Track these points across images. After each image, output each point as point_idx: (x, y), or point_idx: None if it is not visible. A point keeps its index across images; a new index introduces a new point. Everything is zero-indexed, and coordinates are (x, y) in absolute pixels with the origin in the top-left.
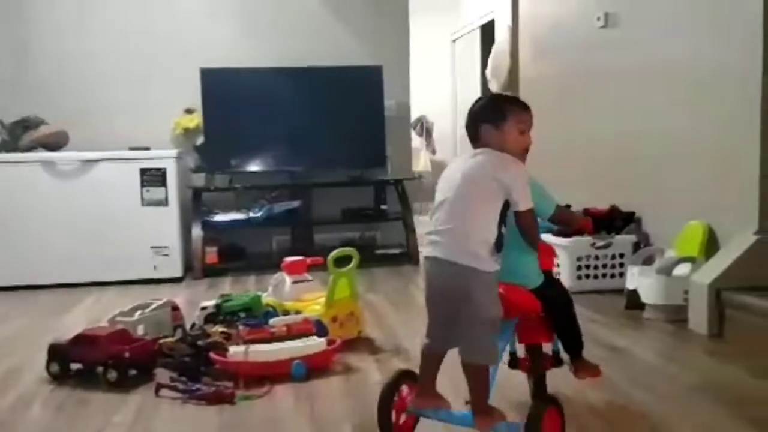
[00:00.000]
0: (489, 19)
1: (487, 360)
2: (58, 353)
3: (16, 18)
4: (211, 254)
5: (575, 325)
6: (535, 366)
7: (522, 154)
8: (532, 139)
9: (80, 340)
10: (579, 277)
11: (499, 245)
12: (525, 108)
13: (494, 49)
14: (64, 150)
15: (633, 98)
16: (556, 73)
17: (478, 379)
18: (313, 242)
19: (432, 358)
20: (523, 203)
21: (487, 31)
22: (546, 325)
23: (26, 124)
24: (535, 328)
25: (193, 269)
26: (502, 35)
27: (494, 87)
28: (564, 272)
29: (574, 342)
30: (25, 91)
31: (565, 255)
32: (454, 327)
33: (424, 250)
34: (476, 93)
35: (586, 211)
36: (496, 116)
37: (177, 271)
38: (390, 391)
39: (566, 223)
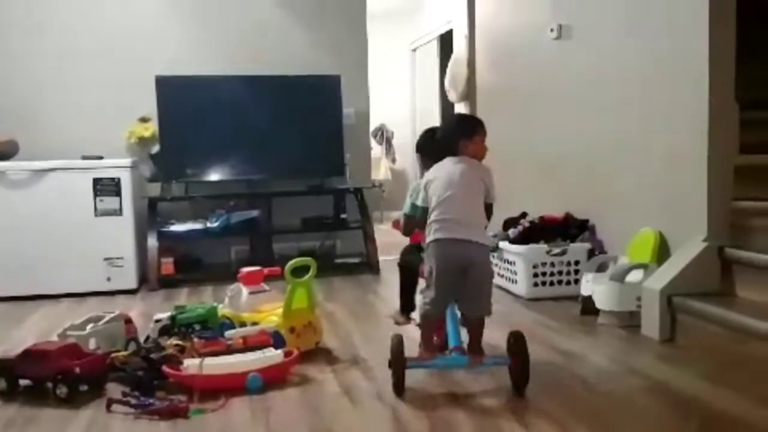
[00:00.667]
0: (448, 28)
1: (490, 312)
2: (5, 369)
3: None
4: (167, 265)
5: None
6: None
7: (482, 159)
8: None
9: (29, 355)
10: (535, 284)
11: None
12: (483, 125)
13: (452, 58)
14: (14, 159)
15: (586, 107)
16: (511, 83)
17: (482, 329)
18: (273, 252)
19: (434, 322)
20: (494, 197)
21: (446, 41)
22: None
23: None
24: None
25: (149, 281)
26: (459, 45)
27: (453, 96)
28: (520, 279)
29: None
30: None
31: (522, 262)
32: (461, 292)
33: (436, 234)
34: (435, 102)
35: (542, 219)
36: (469, 132)
37: (132, 283)
38: (400, 342)
39: None
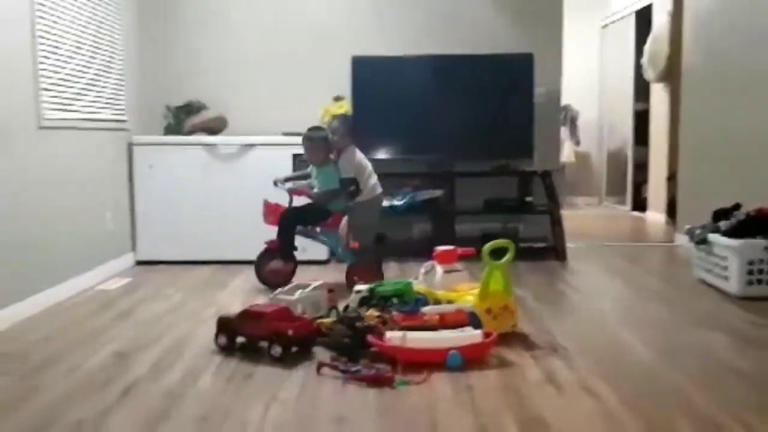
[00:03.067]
0: (645, 4)
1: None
2: (226, 326)
3: (182, 12)
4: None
5: None
6: None
7: None
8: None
9: (247, 315)
10: (750, 282)
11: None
12: None
13: (651, 35)
14: (223, 134)
15: None
16: (727, 58)
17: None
18: (455, 232)
19: None
20: None
21: (643, 17)
22: None
23: (189, 109)
24: None
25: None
26: (660, 21)
27: (650, 75)
28: (732, 275)
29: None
30: (188, 78)
31: (735, 257)
32: None
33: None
34: (629, 81)
35: (759, 211)
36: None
37: (323, 254)
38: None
39: None
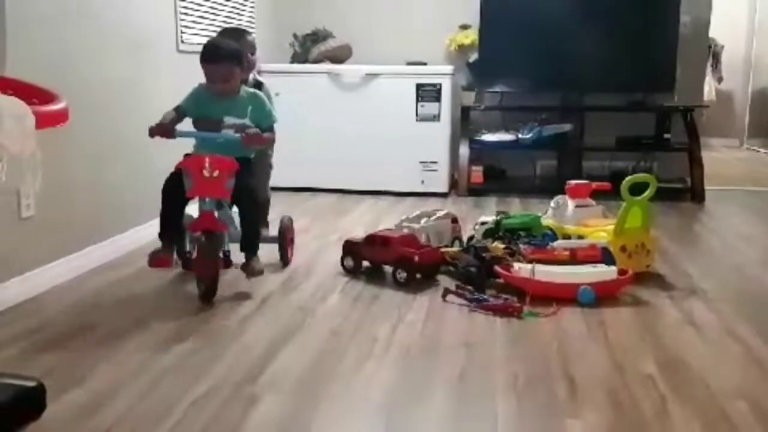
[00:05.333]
0: None
1: None
2: (352, 250)
3: None
4: (476, 173)
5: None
6: None
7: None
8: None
9: (373, 240)
10: None
11: None
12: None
13: None
14: (347, 63)
15: None
16: None
17: None
18: (582, 170)
19: None
20: None
21: None
22: None
23: (315, 38)
24: None
25: (458, 187)
26: None
27: None
28: None
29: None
30: (315, 7)
31: None
32: None
33: None
34: None
35: None
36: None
37: (443, 187)
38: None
39: None
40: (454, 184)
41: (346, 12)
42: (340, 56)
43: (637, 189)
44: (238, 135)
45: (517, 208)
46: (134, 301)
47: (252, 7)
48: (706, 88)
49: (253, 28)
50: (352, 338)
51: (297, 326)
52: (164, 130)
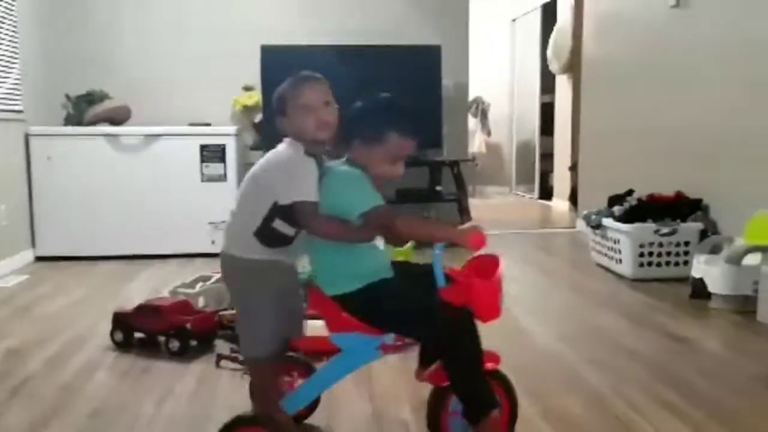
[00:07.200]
0: None
1: (246, 356)
2: (121, 322)
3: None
4: None
5: (467, 373)
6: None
7: (317, 131)
8: (326, 116)
9: (144, 309)
10: (641, 264)
11: (265, 236)
12: (304, 82)
13: (556, 28)
14: (126, 125)
15: (704, 81)
16: (621, 55)
17: (251, 374)
18: None
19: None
20: (288, 195)
21: (549, 11)
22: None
23: (91, 99)
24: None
25: None
26: (564, 15)
27: (555, 67)
28: (625, 259)
29: (467, 397)
30: (90, 66)
31: (628, 241)
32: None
33: None
34: (535, 74)
35: (651, 197)
36: (278, 104)
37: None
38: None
39: (388, 230)
40: None
41: (123, 73)
42: (118, 117)
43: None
44: None
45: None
46: None
47: (15, 63)
48: (476, 142)
49: (17, 88)
50: (114, 418)
51: (57, 409)
52: None
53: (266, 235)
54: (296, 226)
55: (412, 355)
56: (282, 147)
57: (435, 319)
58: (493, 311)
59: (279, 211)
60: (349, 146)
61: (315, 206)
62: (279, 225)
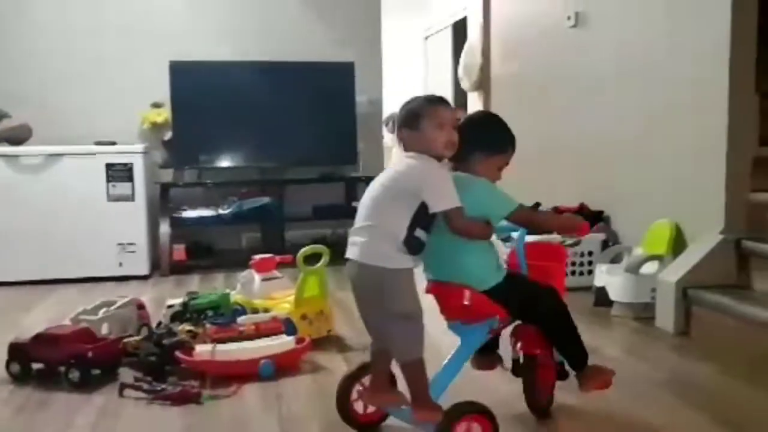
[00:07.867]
0: (461, 16)
1: (405, 356)
2: (18, 353)
3: None
4: (179, 251)
5: (570, 336)
6: (524, 376)
7: (445, 149)
8: (454, 136)
9: (41, 339)
10: None
11: (410, 245)
12: (440, 102)
13: (466, 47)
14: (27, 144)
15: (602, 97)
16: (526, 72)
17: (409, 375)
18: (284, 239)
19: (376, 355)
20: (441, 203)
21: (460, 29)
22: (537, 333)
23: None
24: (528, 335)
25: (161, 266)
26: (474, 33)
27: (466, 85)
28: None
29: (572, 354)
30: None
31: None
32: (374, 327)
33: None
34: (448, 91)
35: (556, 209)
36: (410, 119)
37: (144, 269)
38: (349, 381)
39: (529, 224)
40: (158, 264)
41: (23, 91)
42: (17, 137)
43: (318, 258)
44: None
45: (221, 284)
46: None
47: None
48: (393, 158)
49: None
50: None
51: None
52: None
53: (411, 243)
54: (429, 233)
55: (321, 378)
56: (416, 160)
57: (547, 299)
58: (563, 288)
59: (421, 219)
60: (466, 159)
61: (463, 211)
62: (419, 233)
